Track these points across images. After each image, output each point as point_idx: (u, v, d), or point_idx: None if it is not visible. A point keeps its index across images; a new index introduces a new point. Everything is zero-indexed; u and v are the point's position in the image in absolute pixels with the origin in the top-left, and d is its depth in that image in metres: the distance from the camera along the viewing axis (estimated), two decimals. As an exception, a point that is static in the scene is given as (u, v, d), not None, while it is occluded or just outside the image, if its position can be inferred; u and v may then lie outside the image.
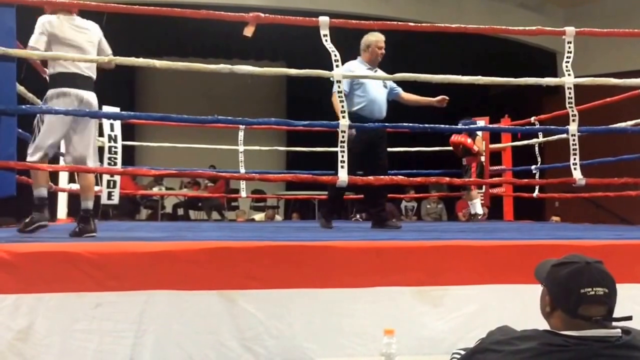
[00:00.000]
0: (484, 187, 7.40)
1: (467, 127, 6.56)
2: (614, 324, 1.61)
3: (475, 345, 1.70)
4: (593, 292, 1.58)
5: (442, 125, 4.45)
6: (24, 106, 3.41)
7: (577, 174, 4.03)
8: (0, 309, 2.35)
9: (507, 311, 2.64)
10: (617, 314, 1.62)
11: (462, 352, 1.75)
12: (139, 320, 2.44)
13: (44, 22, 3.54)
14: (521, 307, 2.59)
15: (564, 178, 4.25)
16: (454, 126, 6.08)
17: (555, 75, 4.62)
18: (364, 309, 2.64)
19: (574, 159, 4.04)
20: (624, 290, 1.64)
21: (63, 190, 6.27)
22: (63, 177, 6.38)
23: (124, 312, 2.44)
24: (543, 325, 1.69)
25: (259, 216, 10.78)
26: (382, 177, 4.11)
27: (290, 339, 2.56)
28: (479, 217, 7.08)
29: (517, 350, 1.58)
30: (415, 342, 2.61)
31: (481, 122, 7.37)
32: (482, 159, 7.23)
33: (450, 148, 7.18)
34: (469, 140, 6.87)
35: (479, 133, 7.25)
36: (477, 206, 7.16)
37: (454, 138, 6.98)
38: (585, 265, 1.63)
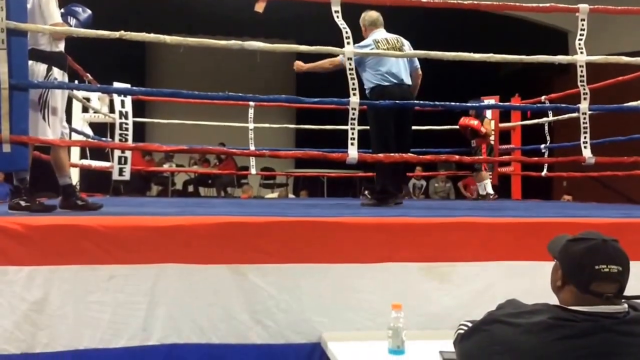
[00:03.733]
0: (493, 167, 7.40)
1: (477, 105, 6.54)
2: (623, 300, 1.62)
3: (484, 317, 1.72)
4: (607, 270, 1.58)
5: (452, 103, 4.44)
6: (35, 81, 3.40)
7: (587, 153, 4.01)
8: (15, 280, 2.39)
9: (514, 288, 2.64)
10: (626, 291, 1.62)
11: (469, 324, 1.77)
12: (151, 293, 2.48)
13: None
14: (528, 284, 2.61)
15: (573, 157, 4.24)
16: (463, 104, 6.06)
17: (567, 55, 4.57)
18: (373, 284, 2.67)
19: (584, 137, 4.02)
20: (633, 269, 1.65)
21: (75, 166, 6.31)
22: (75, 152, 6.43)
23: (137, 284, 2.48)
24: (550, 302, 1.71)
25: (271, 195, 10.74)
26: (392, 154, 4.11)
27: (300, 313, 2.60)
28: (490, 197, 7.08)
29: (526, 323, 1.60)
30: (423, 317, 2.64)
31: (491, 101, 7.33)
32: (492, 140, 7.21)
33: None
34: (476, 122, 6.84)
35: (488, 115, 7.22)
36: (488, 186, 7.16)
37: (462, 121, 6.97)
38: (602, 242, 1.62)
